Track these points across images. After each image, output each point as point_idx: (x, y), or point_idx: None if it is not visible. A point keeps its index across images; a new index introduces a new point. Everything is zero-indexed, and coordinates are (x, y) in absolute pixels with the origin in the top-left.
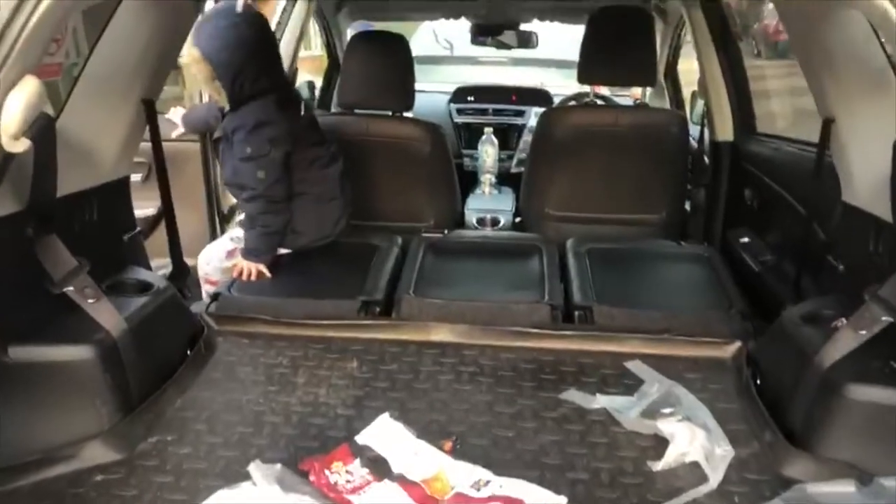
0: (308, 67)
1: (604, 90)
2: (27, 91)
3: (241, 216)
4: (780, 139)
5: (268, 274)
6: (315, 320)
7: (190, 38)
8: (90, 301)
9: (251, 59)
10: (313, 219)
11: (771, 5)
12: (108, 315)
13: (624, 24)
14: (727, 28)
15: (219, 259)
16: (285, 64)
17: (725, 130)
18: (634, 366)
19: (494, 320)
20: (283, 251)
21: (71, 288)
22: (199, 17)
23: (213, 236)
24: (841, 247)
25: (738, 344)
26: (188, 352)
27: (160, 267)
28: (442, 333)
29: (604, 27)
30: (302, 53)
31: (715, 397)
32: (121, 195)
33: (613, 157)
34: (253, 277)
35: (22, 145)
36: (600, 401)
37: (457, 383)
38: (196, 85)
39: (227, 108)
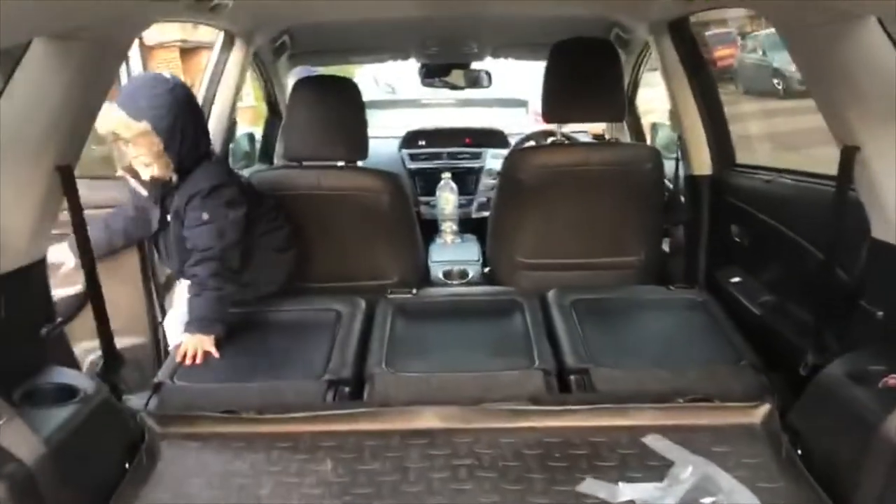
0: (241, 119)
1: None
2: None
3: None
4: (771, 171)
5: (215, 353)
6: (276, 413)
7: (122, 113)
8: None
9: (190, 122)
10: (264, 270)
11: (708, 32)
12: (19, 438)
13: (587, 57)
14: (698, 54)
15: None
16: (224, 116)
17: (702, 163)
18: (654, 442)
19: (483, 393)
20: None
21: None
22: (127, 86)
23: (151, 310)
24: (875, 290)
25: (767, 407)
26: (127, 465)
27: (93, 349)
28: (428, 419)
29: (567, 62)
30: None
31: (754, 475)
32: (35, 281)
33: (585, 198)
34: (199, 359)
35: None
36: (626, 492)
37: (454, 482)
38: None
39: (173, 178)
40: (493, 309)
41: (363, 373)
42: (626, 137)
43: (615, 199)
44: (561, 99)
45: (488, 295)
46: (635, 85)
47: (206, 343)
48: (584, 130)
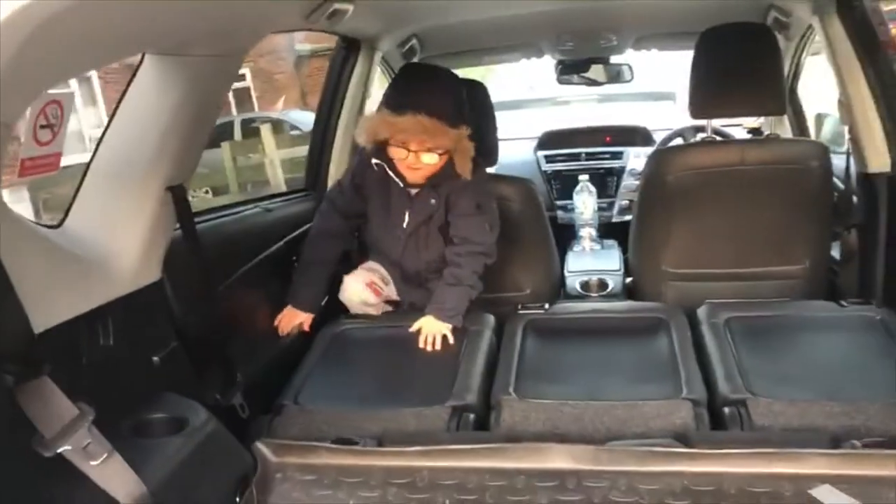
0: None
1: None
2: None
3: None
4: None
5: (451, 339)
6: (396, 443)
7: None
8: (94, 463)
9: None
10: None
11: (887, 9)
12: (119, 479)
13: (741, 44)
14: (873, 36)
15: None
16: (351, 127)
17: (880, 160)
18: (826, 495)
19: (622, 426)
20: None
21: (68, 447)
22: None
23: None
24: None
25: None
26: (238, 499)
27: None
28: (558, 458)
29: (718, 51)
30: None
31: None
32: (149, 306)
33: (741, 201)
34: (437, 345)
35: None
36: None
37: None
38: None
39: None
40: (634, 327)
41: (489, 397)
42: (787, 132)
43: (776, 202)
44: (711, 92)
45: (630, 311)
46: (796, 74)
47: (446, 330)
48: (737, 124)
